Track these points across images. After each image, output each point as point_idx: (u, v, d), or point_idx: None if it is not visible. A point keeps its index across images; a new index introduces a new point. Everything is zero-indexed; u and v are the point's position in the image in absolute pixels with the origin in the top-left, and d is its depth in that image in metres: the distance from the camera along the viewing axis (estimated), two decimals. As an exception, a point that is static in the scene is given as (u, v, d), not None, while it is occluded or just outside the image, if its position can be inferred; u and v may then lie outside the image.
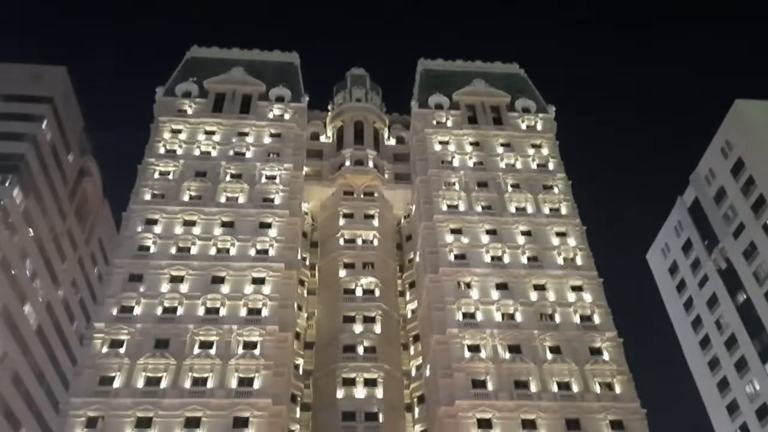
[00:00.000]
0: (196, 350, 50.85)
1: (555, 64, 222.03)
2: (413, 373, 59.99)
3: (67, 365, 71.90)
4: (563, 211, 64.32)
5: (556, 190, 66.28)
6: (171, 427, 46.36)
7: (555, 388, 50.78)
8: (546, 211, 64.08)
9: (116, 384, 48.48)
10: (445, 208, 63.35)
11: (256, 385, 49.48)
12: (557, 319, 55.32)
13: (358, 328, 58.81)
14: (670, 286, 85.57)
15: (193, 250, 57.74)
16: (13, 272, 60.85)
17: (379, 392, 55.15)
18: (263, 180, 64.79)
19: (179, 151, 66.51)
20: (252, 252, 58.36)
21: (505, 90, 76.95)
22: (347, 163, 71.66)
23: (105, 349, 50.41)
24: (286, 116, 72.25)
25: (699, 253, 78.83)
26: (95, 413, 46.57)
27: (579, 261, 59.88)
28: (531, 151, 70.30)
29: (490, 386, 50.34)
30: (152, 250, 57.40)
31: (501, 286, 57.11)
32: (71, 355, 72.86)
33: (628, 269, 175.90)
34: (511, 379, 50.83)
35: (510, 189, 65.66)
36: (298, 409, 55.61)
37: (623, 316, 79.83)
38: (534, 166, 68.86)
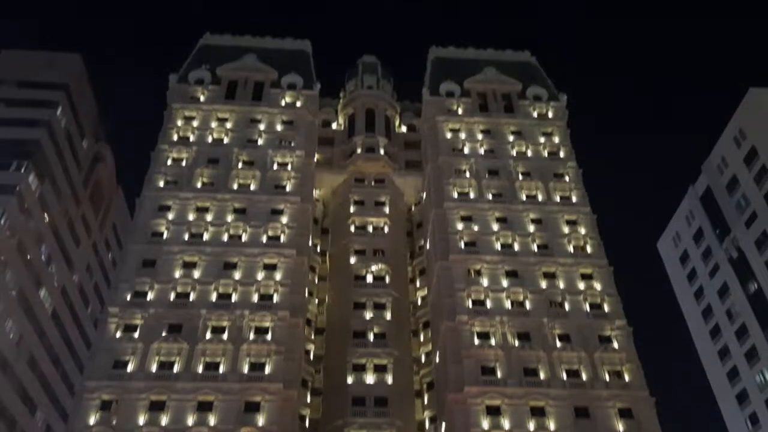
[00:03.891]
0: (209, 335, 51.49)
1: (567, 52, 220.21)
2: (423, 359, 60.45)
3: (81, 349, 73.08)
4: (574, 199, 64.20)
5: (567, 178, 66.12)
6: (184, 410, 47.09)
7: (564, 376, 50.92)
8: (557, 199, 63.99)
9: (130, 367, 49.22)
10: (455, 195, 63.44)
11: (268, 369, 50.09)
12: (567, 306, 55.41)
13: (368, 314, 59.26)
14: (681, 274, 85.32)
15: (206, 236, 58.28)
16: (28, 257, 61.78)
17: (389, 378, 55.67)
18: (275, 167, 65.14)
19: (192, 138, 66.97)
20: (264, 238, 58.82)
21: (517, 78, 76.62)
22: (358, 150, 71.83)
23: (119, 333, 51.13)
24: (298, 103, 72.43)
25: (710, 242, 78.50)
26: (109, 396, 47.35)
27: (589, 249, 59.83)
28: (542, 139, 70.09)
29: (499, 373, 50.60)
30: (165, 235, 58.00)
31: (511, 274, 57.24)
32: (86, 339, 74.03)
33: (639, 257, 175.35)
34: (521, 367, 51.04)
35: (521, 177, 65.58)
36: (308, 394, 56.27)
37: (633, 304, 79.91)
38: (545, 154, 68.69)
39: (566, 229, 61.19)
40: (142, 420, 46.33)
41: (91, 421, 46.24)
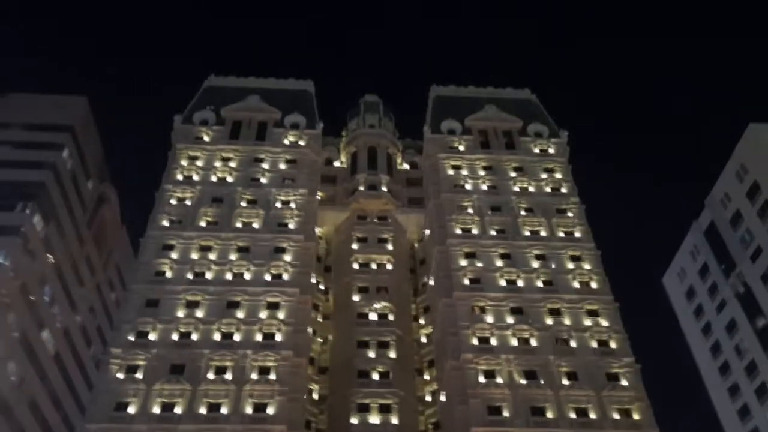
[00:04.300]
0: (211, 375, 51.00)
1: (567, 88, 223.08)
2: (428, 398, 59.58)
3: (84, 391, 72.19)
4: (577, 234, 64.17)
5: (570, 214, 66.22)
6: (186, 453, 46.30)
7: (572, 415, 50.10)
8: (560, 235, 63.98)
9: (132, 410, 48.65)
10: (458, 232, 63.48)
11: (271, 410, 49.42)
12: (573, 344, 54.85)
13: (372, 353, 58.66)
14: (688, 310, 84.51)
15: (209, 275, 58.25)
16: (31, 298, 61.62)
17: (393, 419, 54.78)
18: (278, 205, 65.47)
19: (196, 178, 67.53)
20: (267, 277, 58.74)
21: (517, 115, 77.50)
22: (361, 187, 72.24)
23: (121, 375, 50.71)
24: (301, 142, 73.21)
25: (716, 277, 77.97)
26: (111, 439, 46.65)
27: (594, 285, 59.54)
28: (544, 176, 70.47)
29: (506, 413, 49.81)
30: (168, 275, 57.98)
31: (516, 311, 56.85)
32: (88, 381, 73.20)
33: (645, 293, 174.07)
34: (528, 406, 50.29)
35: (523, 213, 65.72)
36: (312, 436, 55.36)
37: (640, 341, 78.97)
38: (547, 190, 68.96)
39: (571, 265, 60.99)
40: (143, 464, 45.51)
41: (92, 465, 45.43)
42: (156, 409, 48.73)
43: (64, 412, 68.23)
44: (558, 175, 70.82)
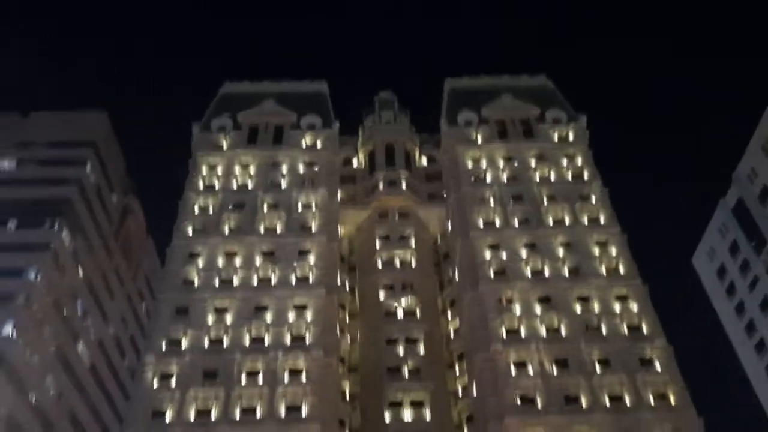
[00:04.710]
0: (244, 379, 51.51)
1: (585, 71, 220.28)
2: (460, 392, 59.49)
3: (120, 401, 73.55)
4: (602, 220, 63.41)
5: (593, 199, 65.47)
6: (224, 457, 46.88)
7: (607, 402, 49.60)
8: (584, 221, 63.29)
9: (168, 417, 49.32)
10: (481, 224, 63.15)
11: (304, 411, 49.74)
12: (604, 330, 54.27)
13: (401, 350, 58.78)
14: (720, 290, 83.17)
15: (236, 281, 58.77)
16: (65, 312, 62.90)
17: (426, 413, 54.86)
18: (299, 208, 65.78)
19: (217, 185, 68.16)
20: (293, 279, 59.13)
21: (534, 102, 76.75)
22: (380, 185, 72.29)
23: (156, 383, 51.41)
24: (318, 143, 73.45)
25: (747, 254, 76.60)
26: (150, 447, 47.43)
27: (622, 270, 58.82)
28: (565, 162, 69.73)
29: (539, 403, 49.51)
30: (196, 283, 58.63)
31: (543, 300, 56.39)
32: (124, 391, 74.53)
33: (674, 274, 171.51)
34: (561, 395, 49.89)
35: (546, 201, 65.11)
36: (347, 434, 55.66)
37: (672, 323, 77.86)
38: (569, 176, 68.23)
39: (597, 251, 60.34)
40: (182, 470, 46.16)
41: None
42: (192, 415, 49.38)
43: (103, 423, 69.60)
44: (579, 161, 69.99)
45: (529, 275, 58.39)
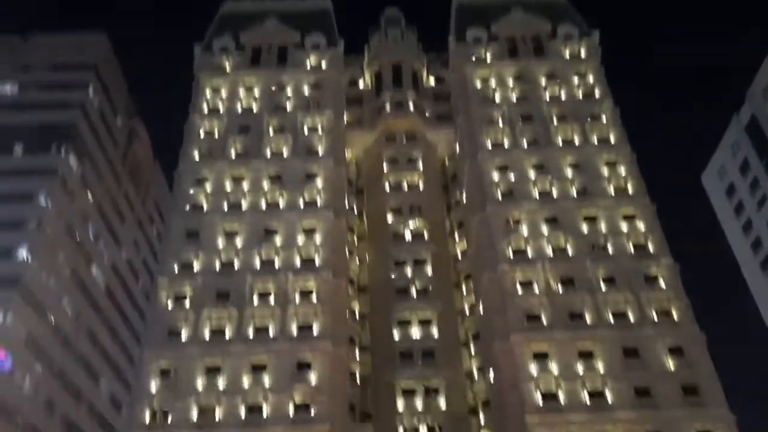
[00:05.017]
0: (256, 300, 52.70)
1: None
2: (467, 311, 60.81)
3: (136, 320, 75.93)
4: (612, 140, 62.50)
5: (603, 118, 64.27)
6: (239, 372, 48.69)
7: (611, 318, 50.59)
8: (594, 141, 62.42)
9: (184, 336, 50.89)
10: (489, 145, 62.44)
11: (315, 329, 51.16)
12: (610, 249, 54.58)
13: (409, 271, 59.67)
14: (728, 208, 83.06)
15: (244, 205, 59.04)
16: (77, 237, 63.84)
17: (434, 331, 56.33)
18: (306, 131, 65.09)
19: (222, 108, 67.26)
20: (301, 203, 59.33)
21: (546, 17, 73.98)
22: (387, 107, 71.12)
23: (170, 303, 52.74)
24: (323, 64, 71.74)
25: (757, 172, 75.92)
26: (167, 363, 49.21)
27: (630, 189, 58.47)
28: (576, 80, 67.98)
29: (544, 320, 50.59)
30: (205, 207, 58.98)
31: (551, 220, 56.50)
32: (140, 311, 76.80)
33: (683, 192, 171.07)
34: (566, 312, 50.84)
35: (556, 121, 63.96)
36: (357, 351, 57.44)
37: (679, 240, 77.98)
38: (579, 95, 66.70)
39: (606, 171, 59.84)
40: (200, 385, 48.07)
41: (153, 388, 48.20)
42: (207, 334, 50.91)
43: (120, 340, 72.14)
44: (590, 79, 68.17)
45: (537, 196, 58.27)
